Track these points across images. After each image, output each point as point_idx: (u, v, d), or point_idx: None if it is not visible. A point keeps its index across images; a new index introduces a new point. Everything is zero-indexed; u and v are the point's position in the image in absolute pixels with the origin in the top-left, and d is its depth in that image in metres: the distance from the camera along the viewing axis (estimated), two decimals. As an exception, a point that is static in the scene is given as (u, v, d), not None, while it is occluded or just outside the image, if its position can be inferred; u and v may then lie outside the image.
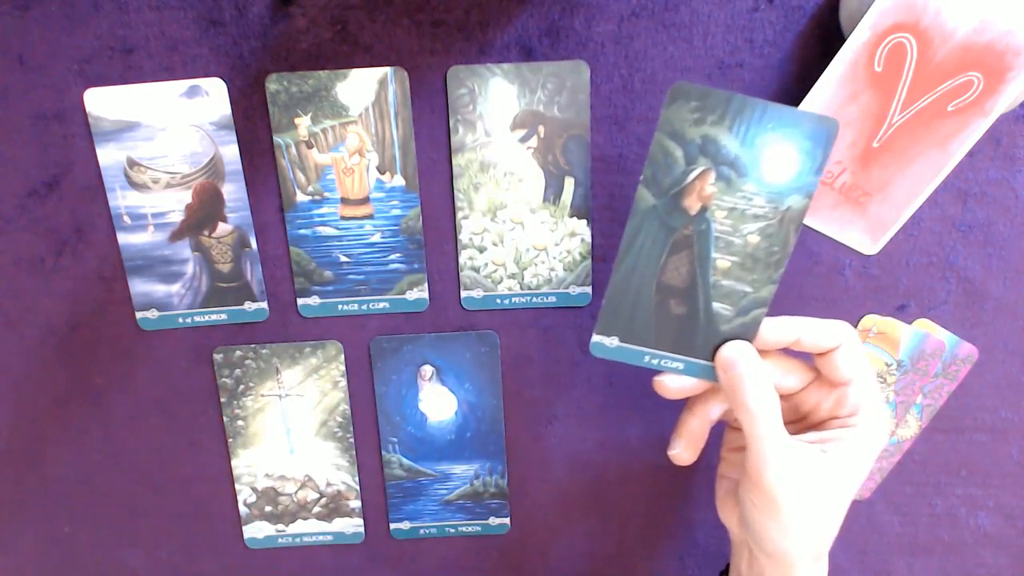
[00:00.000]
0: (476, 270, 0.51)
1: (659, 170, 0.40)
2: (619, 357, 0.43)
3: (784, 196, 0.40)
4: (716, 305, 0.42)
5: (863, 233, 0.49)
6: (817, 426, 0.43)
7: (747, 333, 0.42)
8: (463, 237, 0.51)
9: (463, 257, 0.51)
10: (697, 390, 0.43)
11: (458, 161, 0.49)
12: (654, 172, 0.40)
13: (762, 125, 0.39)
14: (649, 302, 0.42)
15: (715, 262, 0.41)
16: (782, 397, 0.43)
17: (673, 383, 0.43)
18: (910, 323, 0.52)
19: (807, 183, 0.39)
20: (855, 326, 0.52)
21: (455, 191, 0.50)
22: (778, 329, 0.41)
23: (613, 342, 0.43)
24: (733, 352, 0.41)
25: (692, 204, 0.40)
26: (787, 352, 0.43)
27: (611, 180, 0.50)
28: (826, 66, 0.44)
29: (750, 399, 0.40)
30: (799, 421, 0.44)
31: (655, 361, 0.43)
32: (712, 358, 0.42)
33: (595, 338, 0.43)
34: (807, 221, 0.49)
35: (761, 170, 0.39)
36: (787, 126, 0.39)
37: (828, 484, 0.40)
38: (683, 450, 0.45)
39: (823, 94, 0.45)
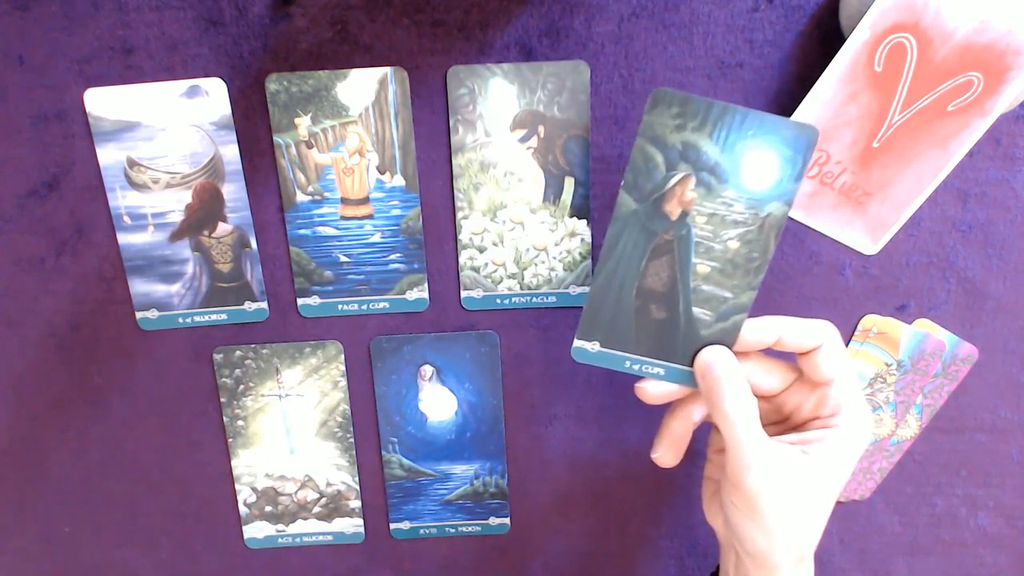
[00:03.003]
0: (476, 270, 0.51)
1: (640, 175, 0.40)
2: (600, 362, 0.43)
3: (764, 203, 0.40)
4: (696, 310, 0.42)
5: (863, 233, 0.49)
6: (799, 427, 0.42)
7: (727, 339, 0.42)
8: (463, 237, 0.51)
9: (463, 257, 0.51)
10: (678, 395, 0.43)
11: (458, 161, 0.49)
12: (635, 177, 0.40)
13: (742, 132, 0.39)
14: (629, 307, 0.42)
15: (695, 267, 0.41)
16: (764, 398, 0.43)
17: (653, 389, 0.43)
18: (910, 323, 0.52)
19: (787, 190, 0.40)
20: (855, 326, 0.52)
21: (455, 191, 0.50)
22: (759, 329, 0.41)
23: (594, 347, 0.43)
24: (711, 357, 0.41)
25: (673, 209, 0.41)
26: (768, 352, 0.43)
27: (611, 180, 0.50)
28: (826, 66, 0.44)
29: (727, 404, 0.40)
30: (781, 422, 0.44)
31: (636, 367, 0.43)
32: (692, 363, 0.42)
33: (576, 343, 0.43)
34: (807, 221, 0.49)
35: (741, 176, 0.40)
36: (767, 133, 0.39)
37: (810, 486, 0.40)
38: (665, 452, 0.44)
39: (823, 94, 0.45)
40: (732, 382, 0.40)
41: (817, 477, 0.40)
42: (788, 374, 0.43)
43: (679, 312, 0.42)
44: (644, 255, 0.42)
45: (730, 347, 0.42)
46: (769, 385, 0.43)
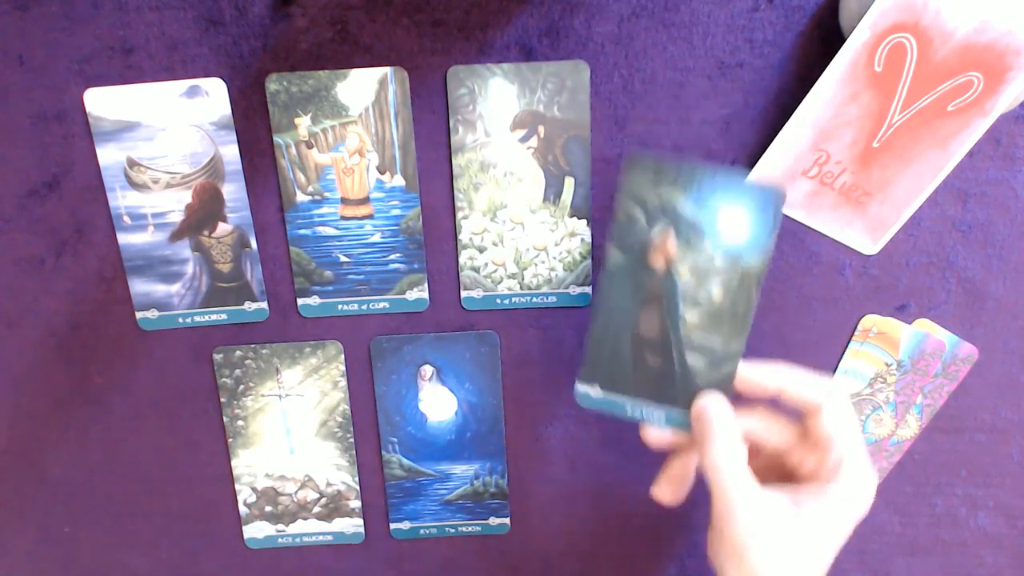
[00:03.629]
0: (476, 270, 0.51)
1: (624, 231, 0.43)
2: (603, 407, 0.45)
3: (741, 255, 0.42)
4: (690, 357, 0.44)
5: (863, 233, 0.49)
6: (798, 484, 0.42)
7: (723, 385, 0.43)
8: (463, 237, 0.51)
9: (463, 257, 0.51)
10: (679, 439, 0.44)
11: (458, 161, 0.49)
12: (620, 232, 0.43)
13: (713, 190, 0.41)
14: (626, 354, 0.44)
15: (684, 316, 0.43)
16: (765, 453, 0.43)
17: (654, 435, 0.44)
18: (910, 323, 0.52)
19: (762, 243, 0.41)
20: (855, 326, 0.52)
21: (455, 191, 0.50)
22: (761, 374, 0.41)
23: (596, 391, 0.45)
24: (704, 403, 0.42)
25: (657, 261, 0.43)
26: (772, 406, 0.43)
27: (611, 180, 0.50)
28: (826, 66, 0.44)
29: (715, 450, 0.40)
30: (783, 478, 0.43)
31: (636, 412, 0.44)
32: (688, 408, 0.44)
33: (578, 387, 0.45)
34: (808, 221, 0.49)
35: (718, 230, 0.42)
36: (737, 191, 0.41)
37: (800, 543, 0.39)
38: (662, 489, 0.45)
39: (823, 94, 0.45)
40: (722, 429, 0.40)
41: (808, 535, 0.39)
42: (790, 430, 0.43)
43: (673, 359, 0.44)
44: (635, 304, 0.43)
45: (726, 394, 0.42)
46: (772, 440, 0.43)
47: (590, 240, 0.51)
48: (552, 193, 0.50)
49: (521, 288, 0.52)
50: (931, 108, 0.44)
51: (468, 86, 0.48)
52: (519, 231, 0.51)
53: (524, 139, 0.49)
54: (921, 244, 0.51)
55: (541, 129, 0.49)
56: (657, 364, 0.44)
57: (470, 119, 0.49)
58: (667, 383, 0.44)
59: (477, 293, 0.52)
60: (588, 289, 0.52)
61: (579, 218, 0.50)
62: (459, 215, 0.50)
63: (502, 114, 0.49)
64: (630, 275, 0.43)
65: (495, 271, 0.51)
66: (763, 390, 0.41)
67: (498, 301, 0.52)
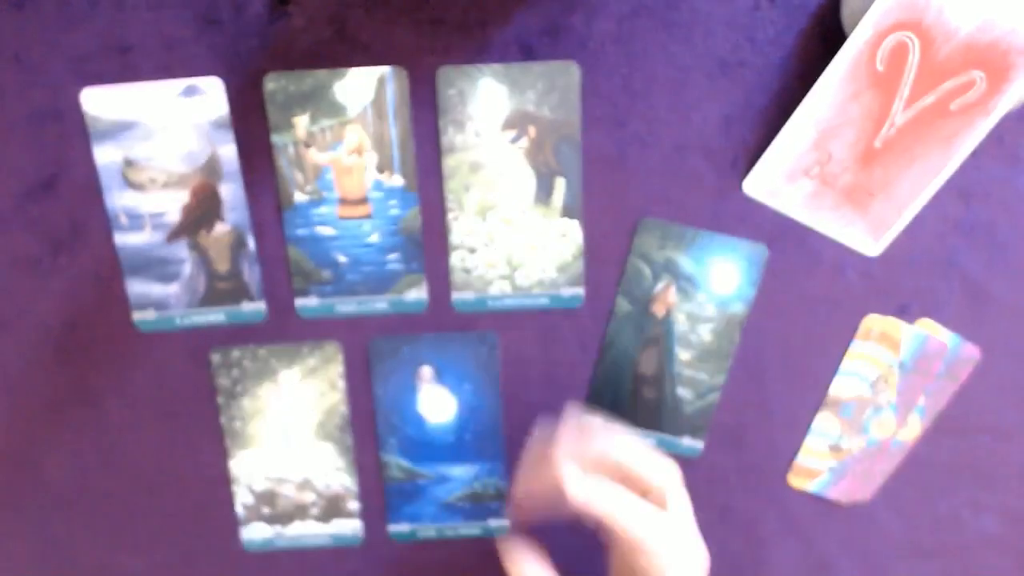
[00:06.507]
0: (467, 271, 0.51)
1: (633, 284, 0.50)
2: None
3: (729, 303, 0.50)
4: (680, 390, 0.52)
5: (865, 233, 0.48)
6: None
7: (705, 411, 0.52)
8: (454, 238, 0.50)
9: (454, 258, 0.51)
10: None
11: (449, 162, 0.49)
12: (629, 286, 0.50)
13: (710, 250, 0.49)
14: (627, 387, 0.52)
15: (678, 355, 0.51)
16: None
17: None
18: (912, 323, 0.52)
19: (746, 294, 0.50)
20: (856, 326, 0.52)
21: (446, 191, 0.50)
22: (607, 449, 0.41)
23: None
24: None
25: (659, 310, 0.51)
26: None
27: (602, 180, 0.50)
28: (828, 65, 0.44)
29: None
30: None
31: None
32: (675, 434, 0.52)
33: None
34: (809, 221, 0.49)
35: (710, 283, 0.50)
36: (729, 250, 0.50)
37: None
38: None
39: (825, 93, 0.45)
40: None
41: None
42: None
43: (666, 392, 0.52)
44: (638, 346, 0.51)
45: (707, 419, 0.51)
46: None
47: (581, 241, 0.51)
48: (543, 194, 0.50)
49: (512, 289, 0.51)
50: (934, 107, 0.44)
51: (458, 87, 0.48)
52: (510, 232, 0.50)
53: (515, 139, 0.49)
54: (923, 244, 0.50)
55: (532, 130, 0.49)
56: (652, 397, 0.52)
57: (460, 120, 0.48)
58: (659, 413, 0.52)
59: (468, 294, 0.51)
60: (580, 290, 0.51)
61: (570, 218, 0.50)
62: (450, 216, 0.50)
63: (492, 114, 0.48)
64: (634, 321, 0.51)
65: (486, 272, 0.51)
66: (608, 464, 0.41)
67: (489, 303, 0.52)
